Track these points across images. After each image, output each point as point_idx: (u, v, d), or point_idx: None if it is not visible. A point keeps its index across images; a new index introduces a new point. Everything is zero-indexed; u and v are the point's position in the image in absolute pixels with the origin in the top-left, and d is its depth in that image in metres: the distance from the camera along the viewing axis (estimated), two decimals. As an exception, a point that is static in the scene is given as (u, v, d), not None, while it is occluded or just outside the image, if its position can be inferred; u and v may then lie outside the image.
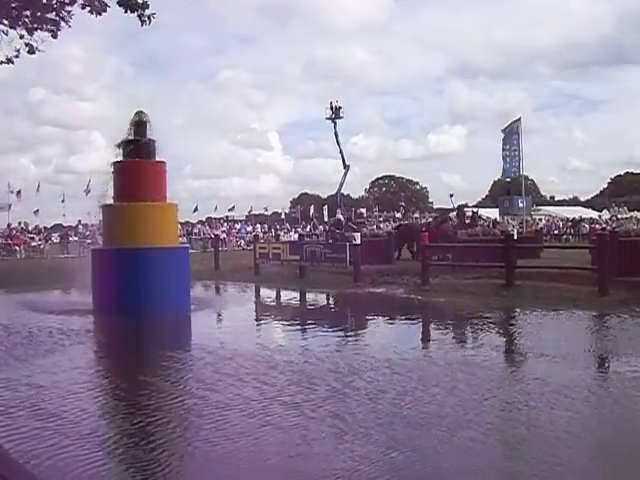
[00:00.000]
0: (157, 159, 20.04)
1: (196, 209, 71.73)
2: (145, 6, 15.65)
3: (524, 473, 6.61)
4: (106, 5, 15.98)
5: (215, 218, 71.45)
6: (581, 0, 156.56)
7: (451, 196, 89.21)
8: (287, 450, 7.31)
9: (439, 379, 10.34)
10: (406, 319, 18.13)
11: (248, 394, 9.50)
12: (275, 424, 8.08)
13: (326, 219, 67.50)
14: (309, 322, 17.73)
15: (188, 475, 6.97)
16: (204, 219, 71.43)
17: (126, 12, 15.59)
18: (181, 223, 54.74)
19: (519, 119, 42.30)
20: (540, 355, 12.20)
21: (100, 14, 15.98)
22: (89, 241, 43.15)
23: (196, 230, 59.73)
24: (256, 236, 39.03)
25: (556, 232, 57.74)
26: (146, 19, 15.82)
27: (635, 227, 26.30)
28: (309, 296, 24.12)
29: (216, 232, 51.84)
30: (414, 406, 8.79)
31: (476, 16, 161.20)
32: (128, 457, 7.21)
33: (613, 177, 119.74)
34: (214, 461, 7.10)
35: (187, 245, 30.96)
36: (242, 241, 56.40)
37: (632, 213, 63.45)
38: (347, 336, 15.64)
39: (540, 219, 63.42)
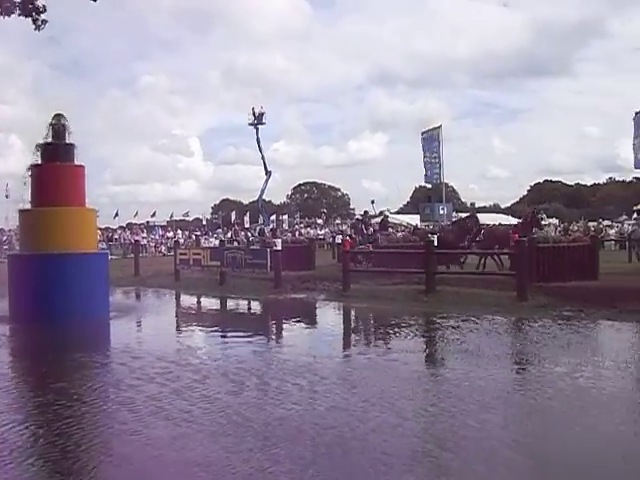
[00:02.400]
0: (76, 163, 19.69)
1: (116, 214, 71.21)
2: (40, 10, 15.44)
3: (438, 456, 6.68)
4: (15, 6, 15.69)
5: (136, 224, 70.97)
6: (497, 12, 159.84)
7: (372, 202, 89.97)
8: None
9: (353, 380, 10.53)
10: (326, 325, 18.17)
11: (161, 396, 9.60)
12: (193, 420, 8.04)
13: (247, 225, 67.49)
14: (228, 328, 17.56)
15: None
16: (125, 225, 70.90)
17: (20, 16, 15.39)
18: (101, 229, 54.20)
19: (440, 126, 42.81)
20: (456, 358, 12.37)
21: (9, 15, 15.66)
22: (6, 247, 42.48)
23: (116, 236, 59.18)
24: (177, 242, 38.79)
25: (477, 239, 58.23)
26: (40, 23, 15.62)
27: (553, 234, 26.69)
28: (229, 302, 23.91)
29: (136, 238, 51.33)
30: (314, 405, 9.05)
31: (396, 25, 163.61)
32: (38, 459, 7.15)
33: (532, 185, 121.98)
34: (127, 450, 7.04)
35: (106, 251, 30.55)
36: (163, 247, 56.00)
37: (550, 220, 64.33)
38: (265, 341, 15.58)
39: (427, 226, 64.04)
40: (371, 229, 31.99)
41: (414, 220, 59.64)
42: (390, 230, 35.65)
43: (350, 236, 32.06)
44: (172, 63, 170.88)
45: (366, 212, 35.47)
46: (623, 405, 9.04)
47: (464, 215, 34.81)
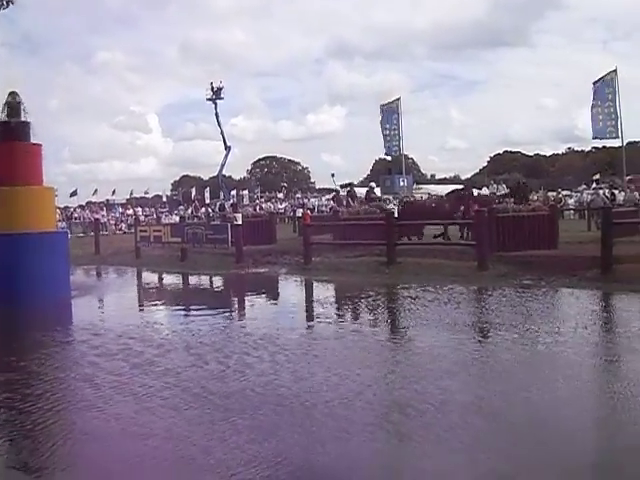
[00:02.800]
0: (32, 142, 19.45)
1: (75, 193, 70.38)
2: None
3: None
4: None
5: (95, 202, 70.46)
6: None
7: (332, 176, 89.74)
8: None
9: (316, 351, 10.61)
10: (288, 298, 18.22)
11: (123, 371, 9.61)
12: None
13: (208, 201, 67.21)
14: (190, 304, 17.49)
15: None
16: (84, 203, 70.31)
17: None
18: (60, 208, 53.66)
19: (398, 99, 42.82)
20: (418, 328, 12.51)
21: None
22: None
23: (76, 214, 58.70)
24: (137, 219, 38.55)
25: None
26: (4, 3, 15.38)
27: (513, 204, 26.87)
28: (191, 278, 23.86)
29: (96, 216, 50.94)
30: (277, 375, 9.10)
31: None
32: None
33: (492, 155, 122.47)
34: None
35: (66, 230, 30.33)
36: (123, 225, 55.65)
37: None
38: (227, 316, 15.50)
39: (421, 197, 64.20)
40: (356, 201, 31.75)
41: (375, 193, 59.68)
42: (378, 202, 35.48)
43: (333, 209, 31.61)
44: (128, 39, 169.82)
45: (351, 184, 34.94)
46: (579, 368, 9.18)
47: (460, 187, 34.62)
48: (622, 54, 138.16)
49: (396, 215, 25.40)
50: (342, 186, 34.96)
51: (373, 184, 37.47)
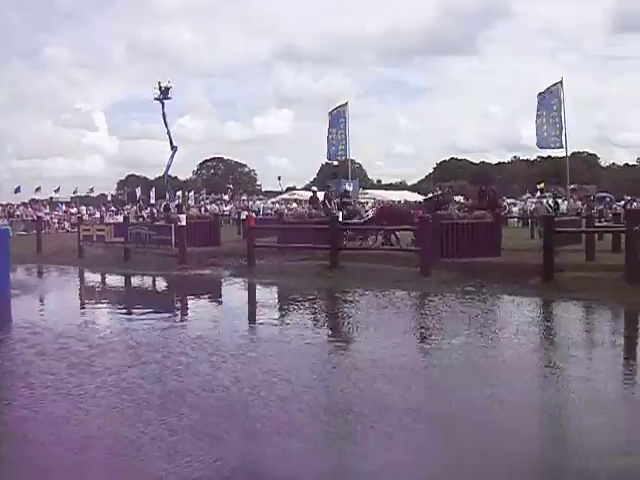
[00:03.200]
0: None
1: (18, 190, 69.49)
2: None
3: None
4: None
5: (39, 200, 69.62)
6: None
7: (279, 179, 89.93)
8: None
9: (256, 354, 10.58)
10: (230, 300, 18.17)
11: (59, 371, 9.49)
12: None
13: (153, 201, 66.72)
14: (131, 304, 17.37)
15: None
16: (27, 201, 69.43)
17: None
18: (2, 204, 53.01)
19: (346, 103, 42.83)
20: (359, 332, 12.56)
21: None
22: None
23: (18, 212, 57.94)
24: (80, 218, 38.19)
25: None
26: None
27: (458, 211, 26.98)
28: (133, 279, 23.67)
29: (39, 214, 50.32)
30: (215, 376, 9.05)
31: (302, 1, 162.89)
32: None
33: (439, 162, 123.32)
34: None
35: (7, 227, 29.89)
36: (67, 223, 54.99)
37: (456, 197, 65.08)
38: (168, 317, 15.35)
39: (367, 202, 64.40)
40: (334, 205, 31.05)
41: (320, 197, 59.73)
42: (357, 206, 35.16)
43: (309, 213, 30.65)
44: (75, 35, 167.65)
45: (329, 186, 34.41)
46: (515, 372, 9.38)
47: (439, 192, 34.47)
48: (568, 65, 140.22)
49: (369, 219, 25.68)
50: (323, 187, 34.33)
51: (348, 187, 37.08)
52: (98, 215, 56.10)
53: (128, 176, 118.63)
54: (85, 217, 48.26)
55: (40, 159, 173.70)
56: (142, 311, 15.88)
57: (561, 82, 36.70)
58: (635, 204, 45.43)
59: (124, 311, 16.49)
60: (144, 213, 53.04)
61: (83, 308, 17.65)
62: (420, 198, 61.34)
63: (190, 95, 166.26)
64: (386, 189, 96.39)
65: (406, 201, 44.37)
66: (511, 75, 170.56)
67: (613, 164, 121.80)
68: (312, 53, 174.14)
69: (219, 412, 7.59)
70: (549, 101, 36.99)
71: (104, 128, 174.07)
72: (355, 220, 27.53)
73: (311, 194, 34.35)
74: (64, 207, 65.83)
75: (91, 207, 67.60)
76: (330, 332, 13.16)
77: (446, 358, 10.17)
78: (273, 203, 68.38)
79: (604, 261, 19.39)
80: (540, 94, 37.21)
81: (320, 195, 32.10)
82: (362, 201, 52.42)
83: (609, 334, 12.34)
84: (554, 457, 6.49)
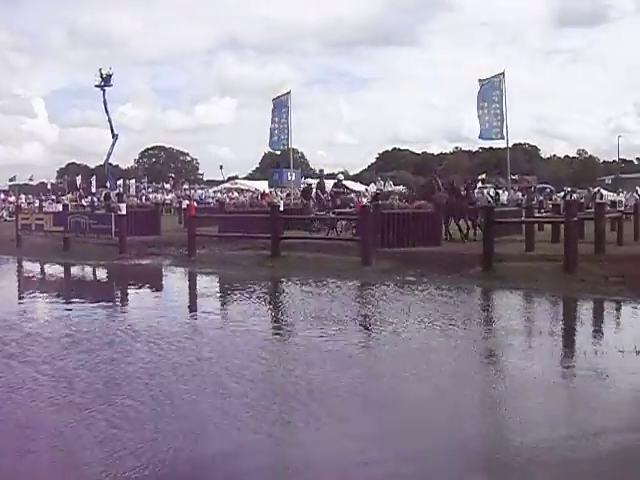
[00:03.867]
0: None
1: (-48, 178, 68.45)
2: None
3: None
4: None
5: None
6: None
7: (221, 168, 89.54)
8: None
9: (195, 342, 10.63)
10: (170, 290, 18.07)
11: None
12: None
13: (94, 190, 66.12)
14: (68, 294, 17.14)
15: None
16: (-37, 189, 68.45)
17: None
18: (-64, 193, 52.08)
19: (289, 92, 42.72)
20: (297, 321, 12.56)
21: None
22: None
23: (-46, 200, 57.07)
24: (18, 207, 37.66)
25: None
26: None
27: (398, 201, 27.08)
28: (73, 268, 23.37)
29: (-25, 203, 49.60)
30: (154, 364, 9.12)
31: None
32: None
33: (381, 152, 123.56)
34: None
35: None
36: (4, 212, 54.18)
37: (397, 187, 65.32)
38: (106, 307, 15.15)
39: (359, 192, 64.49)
40: (327, 195, 30.39)
41: (263, 186, 59.67)
42: (351, 195, 34.58)
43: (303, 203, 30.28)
44: (12, 19, 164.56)
45: (321, 177, 33.46)
46: (447, 357, 9.58)
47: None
48: (509, 57, 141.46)
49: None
50: (316, 176, 33.70)
51: (341, 176, 36.62)
52: (37, 204, 55.30)
53: (68, 164, 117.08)
54: (24, 206, 47.48)
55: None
56: (79, 301, 15.71)
57: (503, 74, 37.00)
58: (575, 195, 45.91)
59: (61, 301, 16.26)
60: (84, 202, 52.44)
61: (21, 298, 17.36)
62: (363, 188, 61.63)
63: (131, 83, 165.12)
64: (328, 178, 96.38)
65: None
66: (453, 67, 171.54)
67: (554, 156, 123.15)
68: (255, 42, 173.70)
69: (151, 401, 7.52)
70: (490, 92, 37.26)
71: (44, 115, 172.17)
72: (347, 210, 27.24)
73: (304, 186, 33.44)
74: (2, 195, 64.85)
75: (30, 195, 66.60)
76: (270, 322, 13.17)
77: (383, 345, 10.37)
78: (215, 192, 67.99)
79: (544, 251, 19.56)
80: (481, 86, 37.43)
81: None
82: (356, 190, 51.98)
83: (545, 322, 12.45)
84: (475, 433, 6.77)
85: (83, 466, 5.91)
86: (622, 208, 35.84)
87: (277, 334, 11.59)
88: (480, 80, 37.63)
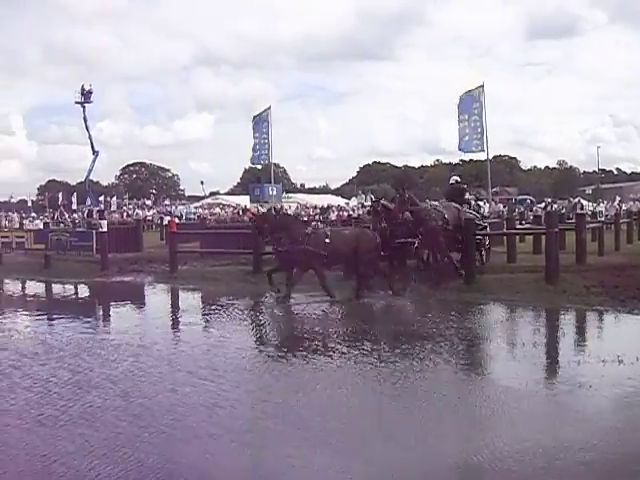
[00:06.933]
0: None
1: None
2: None
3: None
4: None
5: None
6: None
7: (202, 183, 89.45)
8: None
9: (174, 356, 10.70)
10: (151, 306, 18.06)
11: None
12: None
13: (75, 207, 65.93)
14: (49, 312, 17.01)
15: None
16: (-58, 206, 68.14)
17: None
18: None
19: (269, 108, 42.71)
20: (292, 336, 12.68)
21: None
22: None
23: None
24: (-2, 224, 37.51)
25: (305, 219, 58.74)
26: None
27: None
28: (54, 287, 23.17)
29: (-45, 221, 49.28)
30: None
31: (219, 5, 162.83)
32: None
33: (362, 166, 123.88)
34: None
35: None
36: (-16, 230, 53.85)
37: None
38: (85, 323, 15.24)
39: (290, 206, 64.51)
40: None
41: (244, 201, 59.65)
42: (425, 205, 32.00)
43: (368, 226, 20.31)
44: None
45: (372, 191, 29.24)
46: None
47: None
48: (485, 70, 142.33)
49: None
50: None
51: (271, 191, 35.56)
52: (17, 221, 55.03)
53: (49, 181, 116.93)
54: (4, 223, 47.25)
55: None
56: (59, 318, 15.75)
57: (482, 86, 37.08)
58: (555, 206, 46.11)
59: (40, 319, 16.22)
60: (64, 219, 52.19)
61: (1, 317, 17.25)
62: (342, 202, 61.62)
63: (109, 99, 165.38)
64: (308, 193, 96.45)
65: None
66: (428, 80, 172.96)
67: (534, 167, 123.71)
68: (231, 57, 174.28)
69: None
70: (470, 105, 37.29)
71: (22, 132, 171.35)
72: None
73: (370, 203, 25.67)
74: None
75: (10, 213, 66.29)
76: (251, 336, 13.16)
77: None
78: (196, 208, 67.90)
79: (525, 262, 19.61)
80: (461, 98, 37.52)
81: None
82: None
83: (528, 334, 12.44)
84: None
85: None
86: (602, 218, 36.03)
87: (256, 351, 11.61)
88: (460, 94, 37.76)
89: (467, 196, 21.16)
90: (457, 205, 19.55)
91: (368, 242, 17.07)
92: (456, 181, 20.72)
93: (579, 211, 35.33)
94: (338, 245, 16.78)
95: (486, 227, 20.46)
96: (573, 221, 23.43)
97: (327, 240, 16.69)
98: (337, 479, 6.17)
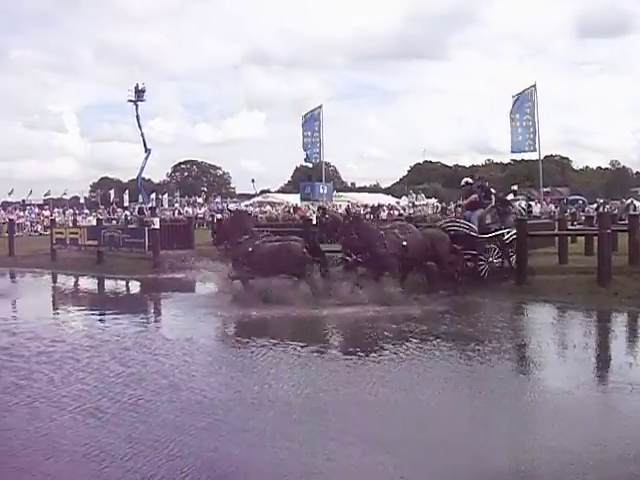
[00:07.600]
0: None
1: (-10, 193, 69.03)
2: None
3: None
4: None
5: (11, 202, 69.19)
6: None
7: (253, 181, 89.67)
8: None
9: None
10: (205, 305, 18.10)
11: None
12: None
13: (126, 204, 66.42)
14: (102, 308, 17.25)
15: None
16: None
17: None
18: (-26, 209, 52.45)
19: (320, 106, 42.84)
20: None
21: None
22: None
23: (-9, 215, 57.46)
24: (53, 221, 37.93)
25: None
26: None
27: (430, 213, 26.97)
28: (107, 283, 23.42)
29: (11, 217, 49.90)
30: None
31: (270, 4, 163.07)
32: None
33: (412, 165, 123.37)
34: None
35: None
36: (39, 226, 54.51)
37: (429, 200, 65.31)
38: (141, 322, 15.38)
39: (341, 205, 64.48)
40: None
41: (295, 200, 59.66)
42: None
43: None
44: (45, 38, 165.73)
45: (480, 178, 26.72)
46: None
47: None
48: (538, 69, 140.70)
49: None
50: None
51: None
52: (72, 218, 55.60)
53: (101, 179, 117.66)
54: (58, 219, 47.80)
55: (11, 161, 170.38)
56: (111, 313, 16.04)
57: (534, 86, 36.90)
58: (608, 207, 45.58)
59: (95, 313, 16.52)
60: (116, 216, 52.67)
61: (56, 312, 17.50)
62: (393, 200, 61.45)
63: (161, 98, 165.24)
64: (358, 192, 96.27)
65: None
66: (481, 80, 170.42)
67: (587, 167, 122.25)
68: (282, 56, 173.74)
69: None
70: (523, 105, 37.16)
71: (76, 130, 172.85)
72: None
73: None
74: (37, 210, 65.29)
75: (62, 209, 66.97)
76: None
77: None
78: (247, 206, 68.09)
79: (577, 264, 19.42)
80: (514, 98, 37.34)
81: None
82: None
83: (579, 336, 12.36)
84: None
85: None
86: (656, 219, 35.63)
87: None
88: (513, 94, 37.57)
89: (493, 195, 19.80)
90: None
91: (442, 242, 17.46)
92: (467, 182, 20.12)
93: (632, 212, 34.91)
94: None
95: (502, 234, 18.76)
96: (626, 222, 23.14)
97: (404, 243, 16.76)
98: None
